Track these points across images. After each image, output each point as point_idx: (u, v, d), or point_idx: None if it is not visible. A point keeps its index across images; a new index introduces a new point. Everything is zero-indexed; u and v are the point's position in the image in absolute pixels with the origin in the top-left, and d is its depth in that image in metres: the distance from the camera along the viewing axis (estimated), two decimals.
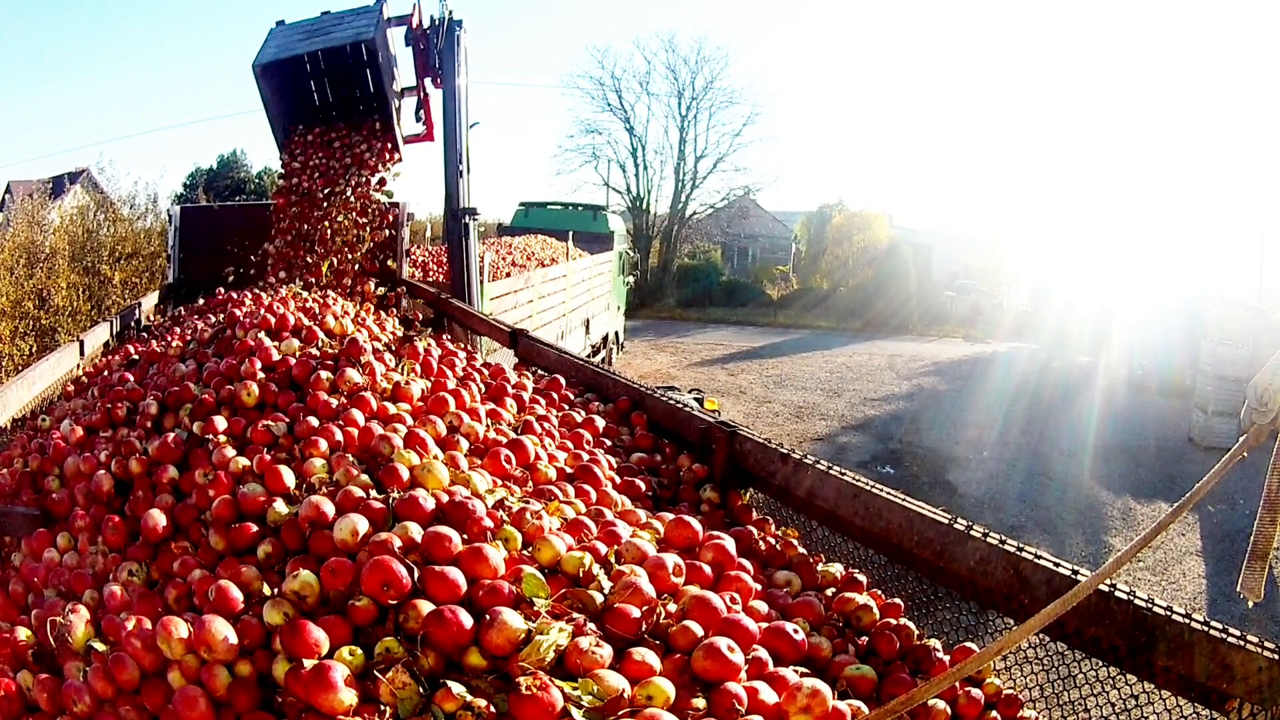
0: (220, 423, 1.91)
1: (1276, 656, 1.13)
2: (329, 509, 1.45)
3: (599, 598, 1.26)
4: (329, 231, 4.86)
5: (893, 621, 1.52)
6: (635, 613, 1.23)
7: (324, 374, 2.05)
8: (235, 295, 3.84)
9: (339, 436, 1.79)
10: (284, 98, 5.31)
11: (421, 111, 5.87)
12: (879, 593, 1.67)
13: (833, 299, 24.79)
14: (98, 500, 1.85)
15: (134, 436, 1.97)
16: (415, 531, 1.34)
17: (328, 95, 5.49)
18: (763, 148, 40.58)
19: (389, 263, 5.17)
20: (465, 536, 1.35)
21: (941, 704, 1.31)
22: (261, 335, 2.32)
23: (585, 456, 2.02)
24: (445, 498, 1.46)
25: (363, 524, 1.38)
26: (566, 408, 2.42)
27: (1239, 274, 17.17)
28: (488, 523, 1.40)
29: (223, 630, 1.19)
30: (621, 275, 14.77)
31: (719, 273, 27.70)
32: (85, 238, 10.45)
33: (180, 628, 1.19)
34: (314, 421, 1.85)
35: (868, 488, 1.71)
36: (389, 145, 5.36)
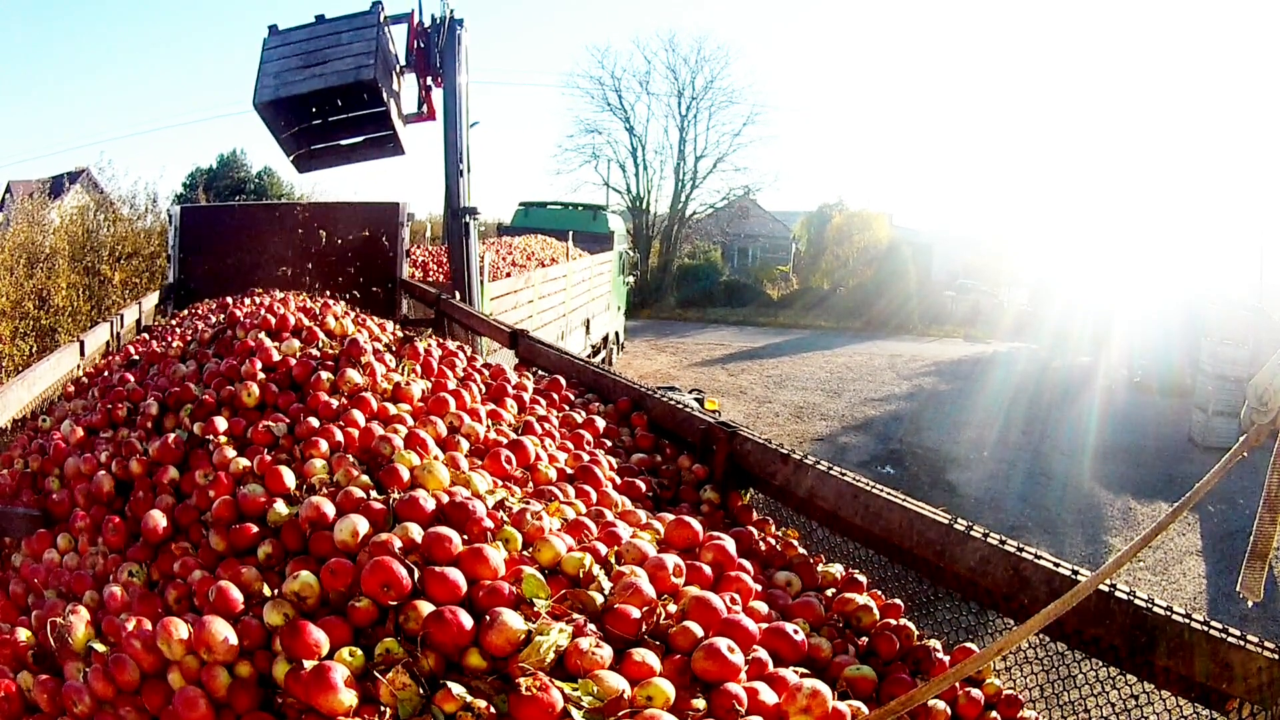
0: (221, 423, 1.91)
1: (1276, 656, 1.13)
2: (329, 510, 1.45)
3: (599, 598, 1.26)
4: None
5: (893, 622, 1.52)
6: (635, 613, 1.23)
7: (324, 374, 2.05)
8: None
9: (339, 437, 1.79)
10: (285, 113, 5.32)
11: (425, 106, 5.89)
12: (879, 593, 1.67)
13: (833, 299, 24.80)
14: (98, 501, 1.85)
15: (134, 437, 1.97)
16: (415, 532, 1.34)
17: (333, 99, 5.51)
18: (763, 148, 40.64)
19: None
20: (465, 537, 1.35)
21: (941, 704, 1.31)
22: (262, 336, 2.32)
23: (586, 457, 2.02)
24: (446, 498, 1.46)
25: (363, 525, 1.38)
26: (567, 408, 2.42)
27: (1239, 274, 17.16)
28: (488, 523, 1.40)
29: (223, 631, 1.19)
30: (621, 275, 14.77)
31: (719, 273, 27.71)
32: (85, 238, 10.44)
33: (180, 629, 1.19)
34: (314, 422, 1.85)
35: (868, 488, 1.71)
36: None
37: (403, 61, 5.63)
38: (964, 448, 10.82)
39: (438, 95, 5.72)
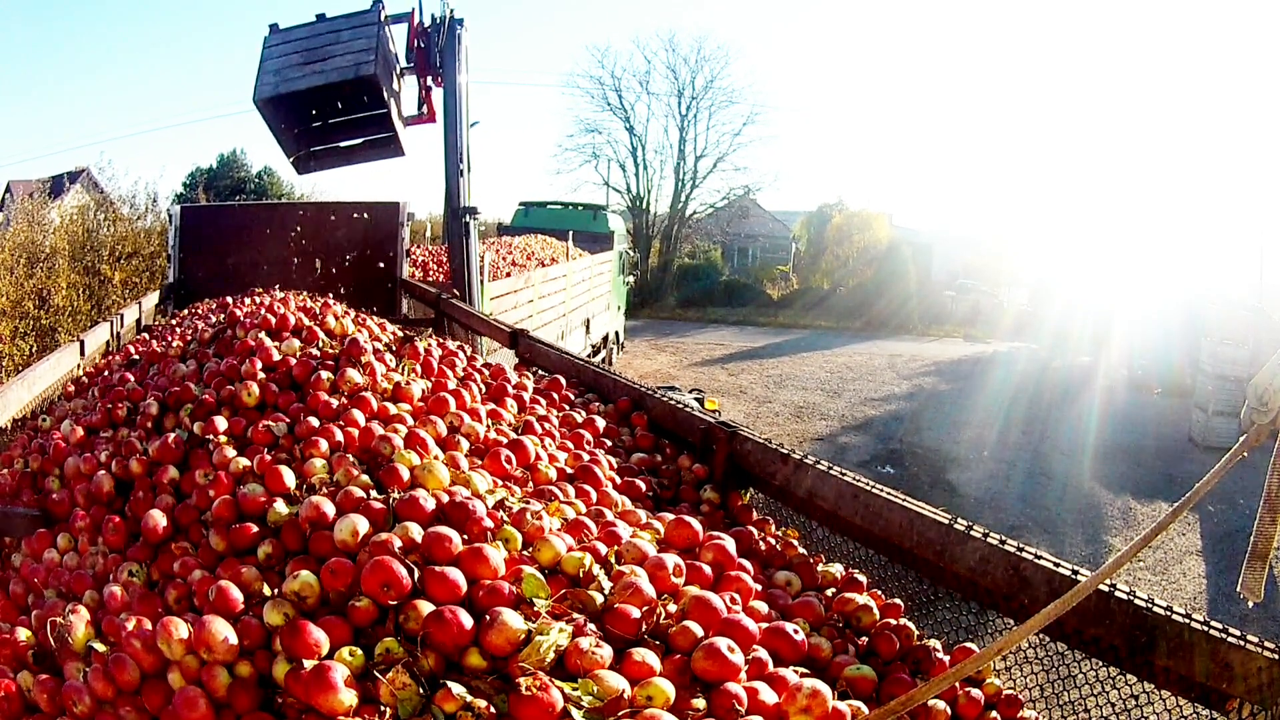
0: (221, 423, 1.91)
1: (1276, 656, 1.13)
2: (329, 509, 1.45)
3: (599, 598, 1.26)
4: None
5: (893, 622, 1.52)
6: (635, 613, 1.23)
7: (324, 374, 2.05)
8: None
9: (339, 437, 1.79)
10: (285, 111, 5.32)
11: (425, 107, 5.88)
12: (879, 593, 1.67)
13: (833, 299, 24.82)
14: (98, 501, 1.85)
15: (134, 437, 1.97)
16: (415, 532, 1.34)
17: (333, 100, 5.51)
18: (763, 148, 40.72)
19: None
20: (466, 537, 1.35)
21: (941, 704, 1.31)
22: (262, 335, 2.32)
23: (585, 457, 2.02)
24: (446, 498, 1.46)
25: (363, 524, 1.38)
26: (567, 408, 2.42)
27: (1239, 274, 17.17)
28: (488, 523, 1.40)
29: (223, 631, 1.18)
30: (621, 275, 14.77)
31: (719, 273, 27.73)
32: (85, 238, 10.46)
33: (180, 628, 1.19)
34: (314, 422, 1.85)
35: (868, 488, 1.71)
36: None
37: (403, 62, 5.63)
38: (964, 448, 10.82)
39: (437, 97, 5.72)
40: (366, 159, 6.08)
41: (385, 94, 5.33)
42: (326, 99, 5.51)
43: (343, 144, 6.00)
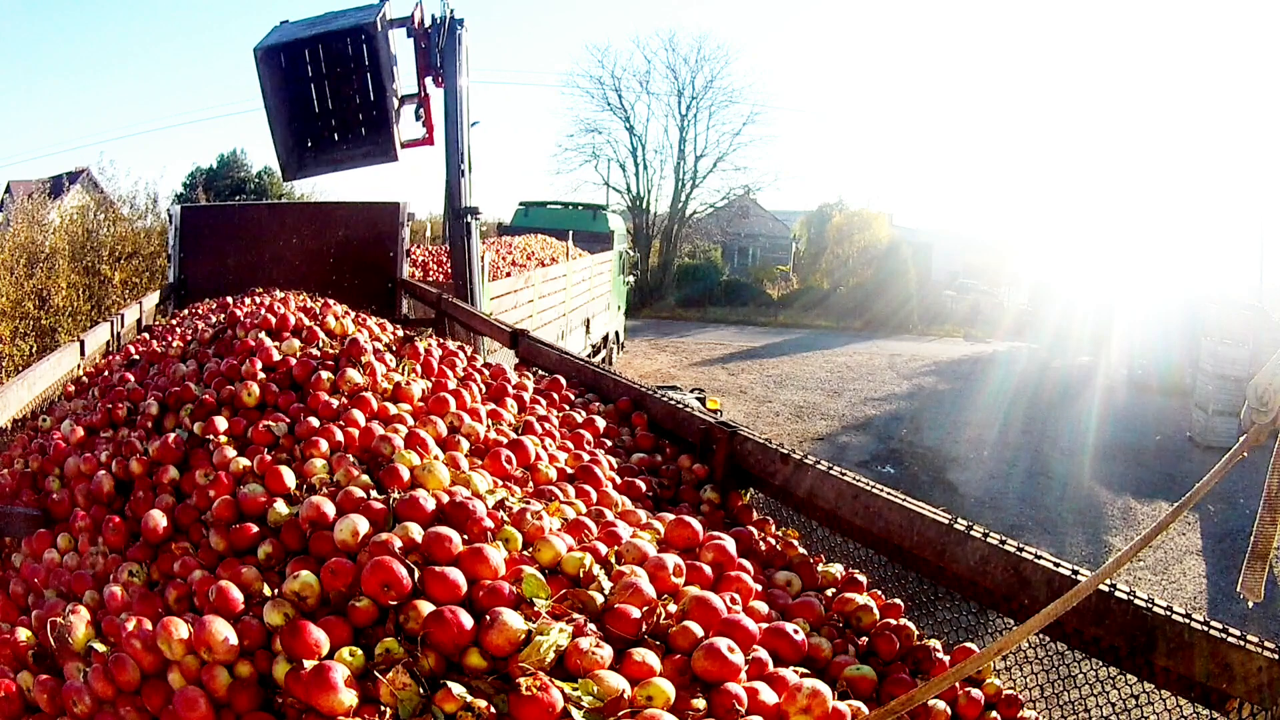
0: (221, 423, 1.91)
1: (1276, 656, 1.13)
2: (329, 509, 1.45)
3: (599, 598, 1.26)
4: None
5: (893, 622, 1.52)
6: (635, 613, 1.23)
7: (325, 374, 2.05)
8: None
9: (340, 437, 1.79)
10: (284, 96, 5.31)
11: (421, 111, 5.87)
12: (879, 593, 1.67)
13: (833, 298, 24.83)
14: (98, 501, 1.85)
15: (134, 437, 1.97)
16: (416, 532, 1.34)
17: (327, 100, 5.50)
18: (763, 147, 40.69)
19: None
20: (466, 537, 1.35)
21: (941, 704, 1.31)
22: (262, 335, 2.32)
23: (586, 457, 2.02)
24: (446, 498, 1.46)
25: (363, 524, 1.38)
26: (567, 408, 2.42)
27: (1239, 274, 17.18)
28: (488, 523, 1.40)
29: (223, 631, 1.19)
30: (621, 275, 14.78)
31: (719, 272, 27.75)
32: (85, 238, 10.46)
33: (180, 628, 1.19)
34: (315, 422, 1.85)
35: (868, 488, 1.71)
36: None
37: (402, 86, 5.63)
38: (964, 447, 10.82)
39: (437, 114, 5.70)
40: (359, 164, 6.03)
41: (384, 81, 5.32)
42: (325, 112, 5.52)
43: (334, 157, 5.94)
